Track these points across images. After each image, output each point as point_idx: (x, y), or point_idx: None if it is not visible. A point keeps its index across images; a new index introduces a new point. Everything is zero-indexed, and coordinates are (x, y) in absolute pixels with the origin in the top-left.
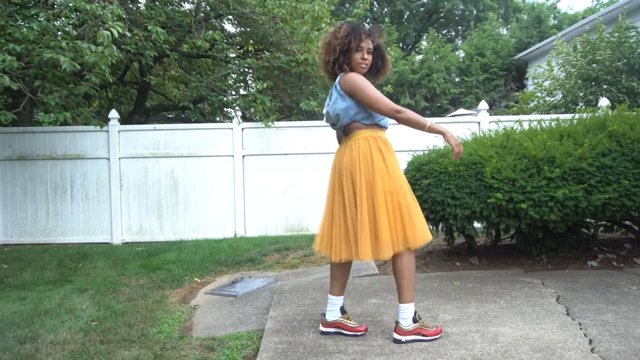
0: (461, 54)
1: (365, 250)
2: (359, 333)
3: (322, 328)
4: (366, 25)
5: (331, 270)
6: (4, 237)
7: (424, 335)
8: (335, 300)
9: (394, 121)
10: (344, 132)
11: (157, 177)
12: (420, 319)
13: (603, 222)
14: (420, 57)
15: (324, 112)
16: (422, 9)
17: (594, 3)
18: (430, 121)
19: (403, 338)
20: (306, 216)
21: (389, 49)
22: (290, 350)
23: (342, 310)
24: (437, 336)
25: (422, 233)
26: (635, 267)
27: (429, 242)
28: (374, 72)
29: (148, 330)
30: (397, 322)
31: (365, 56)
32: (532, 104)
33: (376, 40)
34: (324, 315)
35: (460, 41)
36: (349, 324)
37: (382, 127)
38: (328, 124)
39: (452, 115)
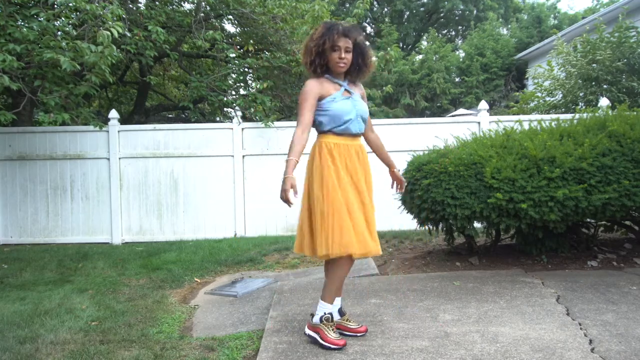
0: (461, 54)
1: (320, 246)
2: (359, 334)
3: None
4: (343, 24)
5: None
6: (4, 237)
7: (320, 338)
8: None
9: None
10: None
11: (157, 177)
12: (330, 322)
13: (603, 222)
14: (420, 57)
15: None
16: (422, 9)
17: (594, 3)
18: (292, 167)
19: (306, 330)
20: None
21: (389, 48)
22: (290, 350)
23: (341, 312)
24: (334, 347)
25: (335, 244)
26: (635, 267)
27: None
28: (355, 70)
29: (148, 330)
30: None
31: (343, 55)
32: (532, 104)
33: (354, 38)
34: None
35: (460, 41)
36: (349, 326)
37: (339, 135)
38: None
39: (452, 115)
